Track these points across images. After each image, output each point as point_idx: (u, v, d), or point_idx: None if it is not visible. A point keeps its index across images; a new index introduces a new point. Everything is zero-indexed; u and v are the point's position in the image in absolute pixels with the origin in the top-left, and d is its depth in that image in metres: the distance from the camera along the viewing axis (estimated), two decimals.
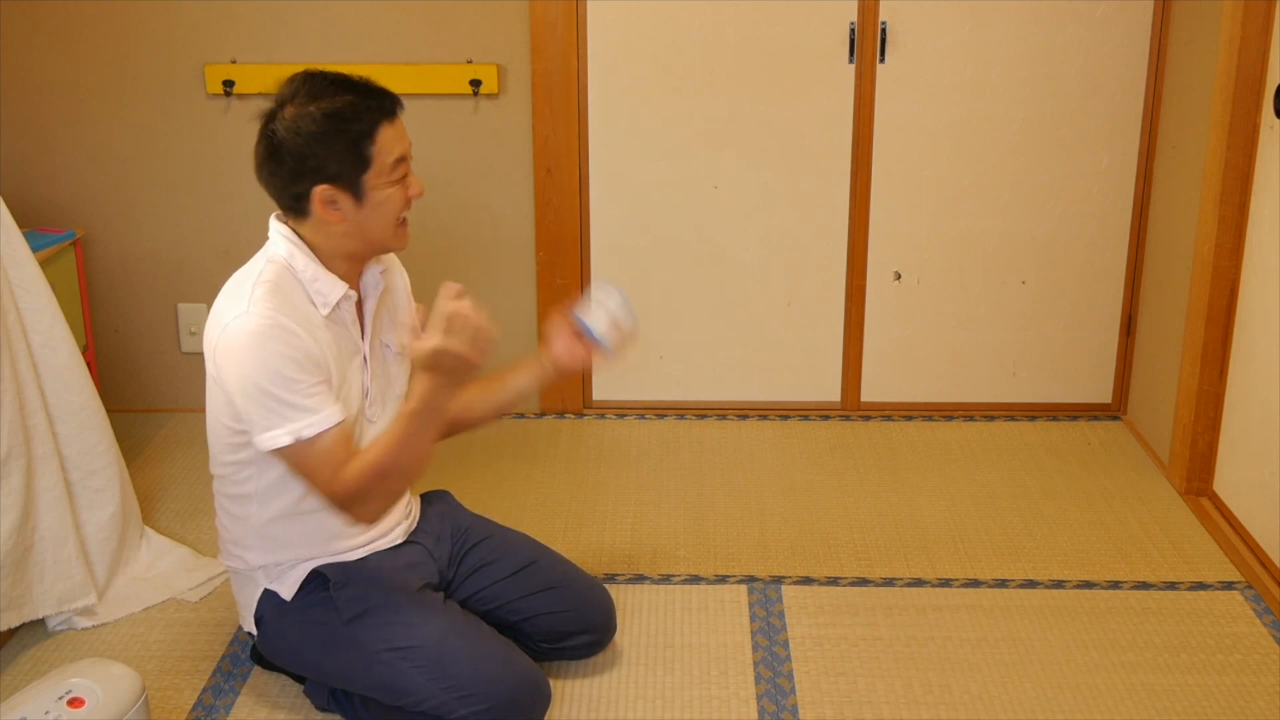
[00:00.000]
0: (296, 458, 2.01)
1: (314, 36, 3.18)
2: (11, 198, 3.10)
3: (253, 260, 2.10)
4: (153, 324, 3.45)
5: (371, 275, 2.19)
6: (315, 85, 2.02)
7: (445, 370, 1.95)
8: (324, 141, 1.99)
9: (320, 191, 2.01)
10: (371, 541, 2.22)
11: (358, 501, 2.02)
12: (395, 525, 2.27)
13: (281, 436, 1.98)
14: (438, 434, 2.03)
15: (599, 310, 2.22)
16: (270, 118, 2.02)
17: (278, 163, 2.02)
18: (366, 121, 2.01)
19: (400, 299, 2.28)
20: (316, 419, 1.99)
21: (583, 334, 2.24)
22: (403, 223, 2.10)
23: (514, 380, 2.29)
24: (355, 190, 2.02)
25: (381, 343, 2.22)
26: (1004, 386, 3.48)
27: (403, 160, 2.05)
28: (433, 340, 1.91)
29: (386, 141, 2.02)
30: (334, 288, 2.08)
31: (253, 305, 1.99)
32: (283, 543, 2.16)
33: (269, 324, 1.97)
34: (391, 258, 2.30)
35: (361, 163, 2.01)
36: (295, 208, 2.06)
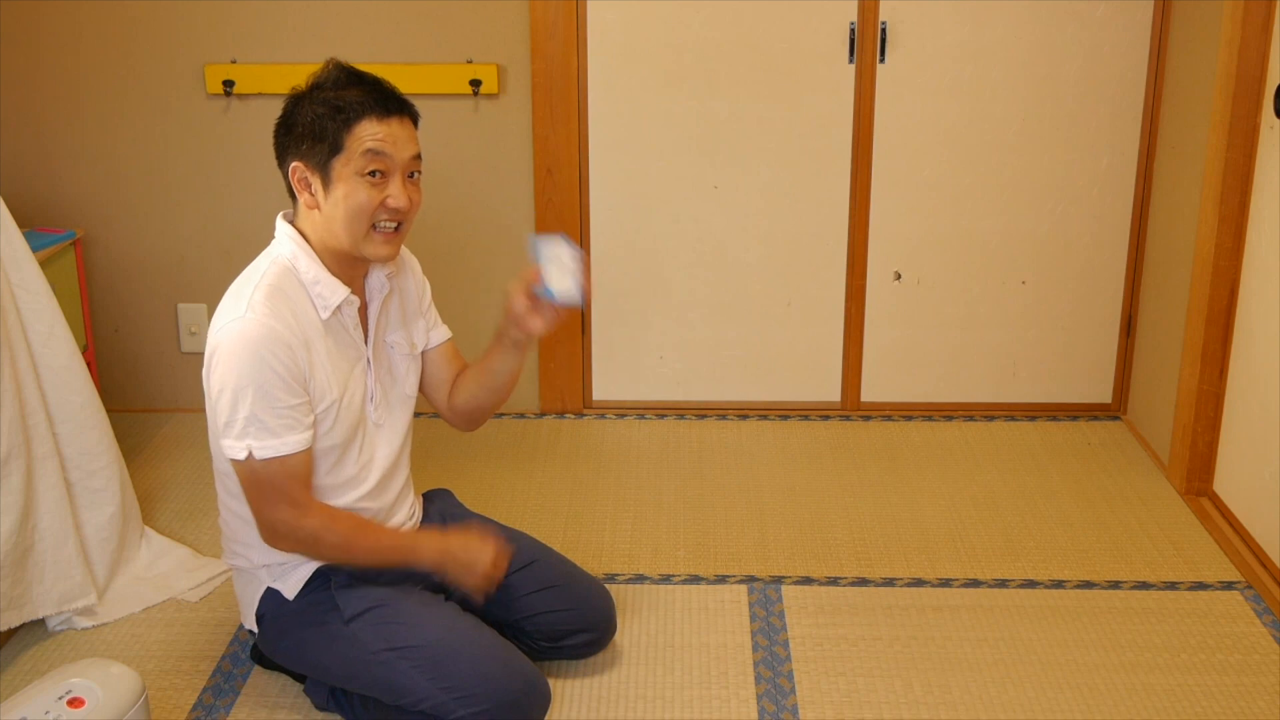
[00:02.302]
0: (248, 473, 2.04)
1: (314, 36, 3.18)
2: (11, 198, 3.10)
3: (258, 259, 2.10)
4: (153, 324, 3.45)
5: (377, 278, 2.19)
6: (336, 76, 2.06)
7: (448, 567, 2.16)
8: (309, 120, 2.02)
9: (295, 168, 2.05)
10: None
11: (298, 534, 2.07)
12: (398, 526, 2.27)
13: (238, 449, 2.01)
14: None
15: (553, 269, 2.10)
16: (291, 100, 2.08)
17: (277, 135, 2.08)
18: (349, 112, 2.02)
19: (410, 298, 2.28)
20: (275, 443, 2.01)
21: (544, 300, 2.13)
22: (386, 231, 2.07)
23: (499, 364, 2.26)
24: (324, 175, 2.03)
25: (386, 343, 2.22)
26: (1004, 386, 3.48)
27: (378, 157, 2.02)
28: (479, 561, 2.15)
29: (364, 133, 2.02)
30: (335, 292, 2.08)
31: (250, 310, 1.99)
32: None
33: (263, 332, 1.98)
34: (410, 259, 2.30)
35: (334, 147, 2.02)
36: (288, 187, 2.10)
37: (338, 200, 2.04)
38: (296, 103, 2.06)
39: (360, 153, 2.02)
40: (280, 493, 2.04)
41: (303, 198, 2.07)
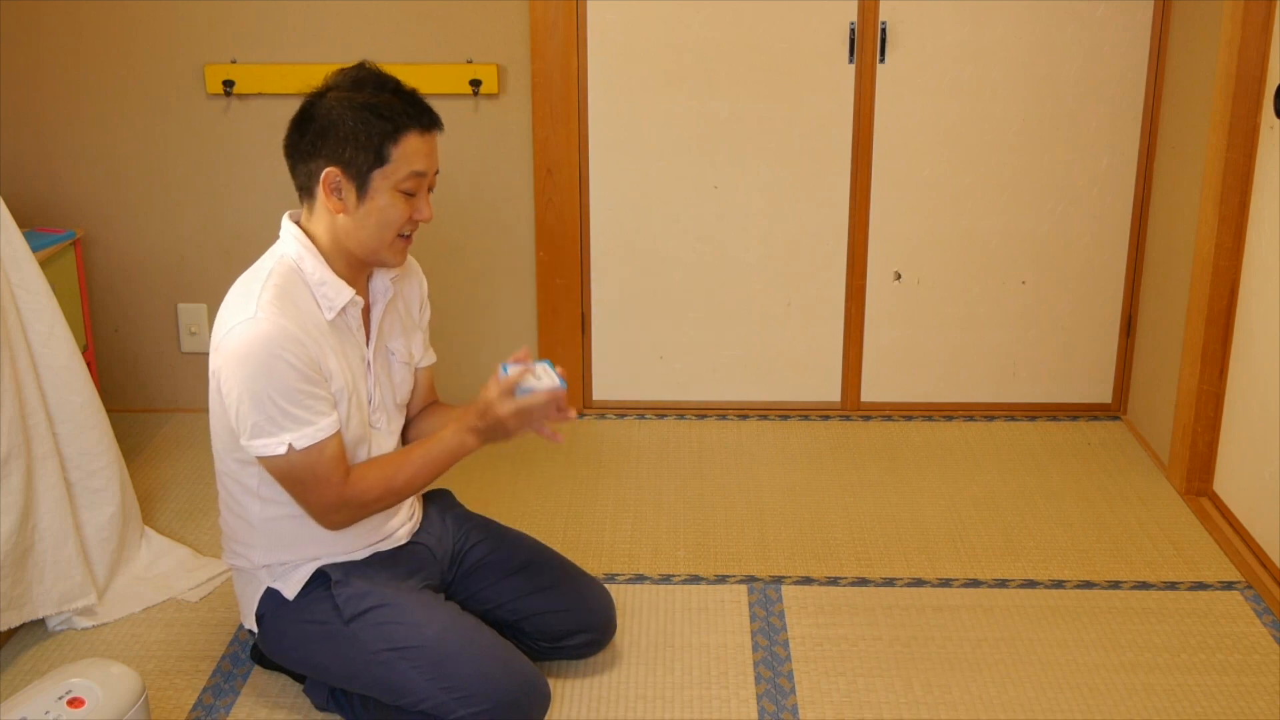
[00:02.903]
0: (287, 466, 2.03)
1: (314, 36, 3.18)
2: (11, 198, 3.10)
3: (262, 259, 2.10)
4: (153, 324, 3.45)
5: (381, 281, 2.19)
6: (366, 78, 2.05)
7: (487, 433, 2.10)
8: (349, 126, 2.00)
9: (330, 174, 2.02)
10: (376, 543, 2.23)
11: (355, 509, 2.08)
12: (399, 526, 2.27)
13: (275, 445, 2.00)
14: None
15: (531, 379, 2.11)
16: (315, 96, 2.05)
17: (301, 133, 2.05)
18: (396, 123, 2.01)
19: (412, 305, 2.28)
20: (311, 430, 2.01)
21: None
22: (405, 238, 2.10)
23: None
24: (361, 184, 2.02)
25: (387, 349, 2.22)
26: (1004, 386, 3.48)
27: (419, 176, 2.04)
28: (497, 409, 2.06)
29: (410, 149, 2.02)
30: (340, 293, 2.08)
31: (260, 310, 1.98)
32: (287, 542, 2.16)
33: (276, 331, 1.97)
34: (413, 264, 2.30)
35: (377, 158, 2.01)
36: (306, 187, 2.07)
37: (371, 210, 2.04)
38: (323, 102, 2.03)
39: (406, 172, 2.02)
40: (319, 479, 2.04)
41: (329, 202, 2.04)
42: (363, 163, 2.01)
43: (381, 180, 2.02)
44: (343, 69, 2.07)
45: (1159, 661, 2.38)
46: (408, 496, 2.16)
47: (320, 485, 2.04)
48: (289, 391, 1.98)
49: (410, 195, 2.05)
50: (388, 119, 2.00)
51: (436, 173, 2.10)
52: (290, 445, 2.00)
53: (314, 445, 2.01)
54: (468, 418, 2.11)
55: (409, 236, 2.10)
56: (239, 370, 1.98)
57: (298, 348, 1.99)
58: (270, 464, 2.04)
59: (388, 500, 2.12)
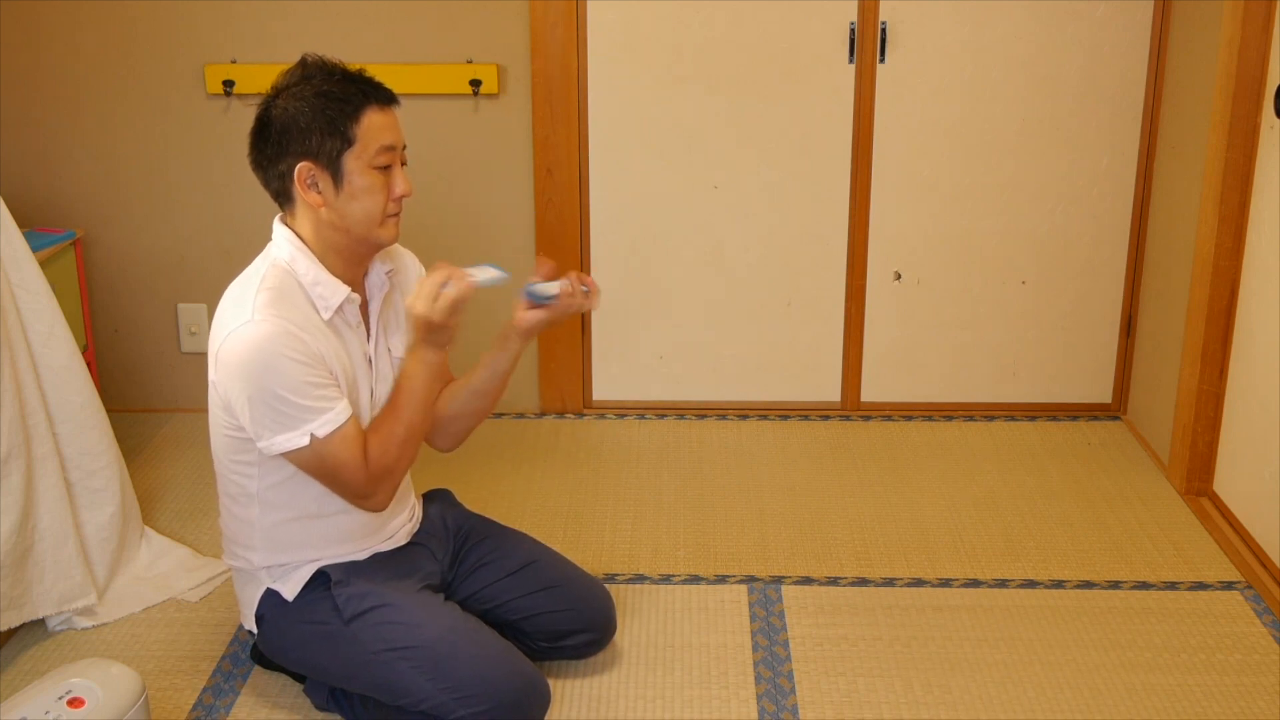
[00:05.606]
0: (314, 457, 2.02)
1: (314, 36, 3.18)
2: (11, 198, 3.10)
3: (255, 263, 2.10)
4: (153, 324, 3.45)
5: (376, 275, 2.19)
6: (310, 71, 2.05)
7: (429, 339, 2.09)
8: (309, 117, 2.00)
9: (302, 169, 2.02)
10: (376, 543, 2.23)
11: (385, 480, 2.09)
12: (399, 528, 2.28)
13: (298, 438, 2.00)
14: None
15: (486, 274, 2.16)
16: (267, 102, 2.05)
17: (264, 140, 2.05)
18: (354, 103, 2.01)
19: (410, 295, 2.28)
20: (329, 416, 2.01)
21: (531, 302, 2.20)
22: (394, 216, 2.10)
23: (488, 360, 2.26)
24: (335, 171, 2.02)
25: (387, 346, 2.22)
26: (1004, 386, 3.48)
27: (390, 150, 2.05)
28: (415, 309, 2.05)
29: (373, 126, 2.02)
30: (335, 291, 2.08)
31: (256, 312, 1.98)
32: (287, 544, 2.16)
33: (275, 330, 1.97)
34: (407, 255, 2.30)
35: (343, 141, 2.01)
36: (282, 191, 2.07)
37: (352, 195, 2.04)
38: (277, 104, 2.03)
39: (376, 148, 2.03)
40: (345, 463, 2.04)
41: (308, 198, 2.04)
42: (332, 148, 2.01)
43: (354, 162, 2.02)
44: (286, 70, 2.07)
45: (1159, 661, 2.39)
46: (419, 440, 2.15)
47: (349, 469, 2.05)
48: (298, 386, 1.98)
49: (385, 171, 2.05)
50: (344, 100, 2.01)
51: (405, 147, 2.10)
52: (312, 435, 2.00)
53: (335, 431, 2.01)
54: (411, 338, 2.12)
55: (397, 214, 2.10)
56: (244, 375, 1.98)
57: (298, 344, 1.99)
58: (297, 458, 2.04)
59: (406, 454, 2.11)
